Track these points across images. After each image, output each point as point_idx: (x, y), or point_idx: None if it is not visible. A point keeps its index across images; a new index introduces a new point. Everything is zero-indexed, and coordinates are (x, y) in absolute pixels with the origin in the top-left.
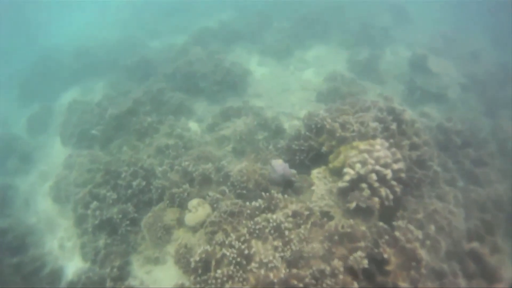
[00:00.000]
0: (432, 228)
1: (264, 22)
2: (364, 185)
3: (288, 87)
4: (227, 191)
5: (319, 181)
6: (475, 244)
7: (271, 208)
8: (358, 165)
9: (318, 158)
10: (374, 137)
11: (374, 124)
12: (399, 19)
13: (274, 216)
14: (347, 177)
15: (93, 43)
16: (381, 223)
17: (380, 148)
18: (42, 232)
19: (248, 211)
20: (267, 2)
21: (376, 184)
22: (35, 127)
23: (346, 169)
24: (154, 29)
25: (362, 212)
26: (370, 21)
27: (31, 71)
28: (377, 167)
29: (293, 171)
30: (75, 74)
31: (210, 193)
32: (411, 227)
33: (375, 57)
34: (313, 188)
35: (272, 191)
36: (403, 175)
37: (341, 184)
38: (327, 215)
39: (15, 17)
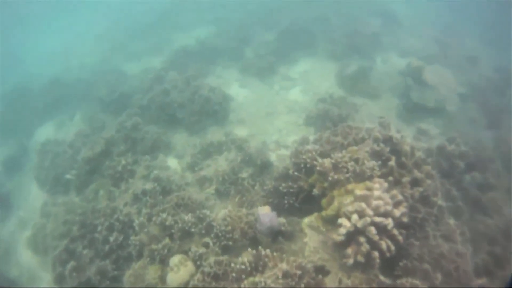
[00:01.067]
0: (438, 277)
1: (245, 36)
2: (362, 239)
3: (273, 110)
4: (211, 243)
5: (312, 231)
6: (483, 281)
7: (259, 268)
8: (354, 216)
9: (309, 199)
10: (371, 177)
11: (370, 163)
12: (387, 23)
13: (262, 280)
14: (342, 230)
15: (66, 73)
16: (382, 278)
17: (379, 194)
18: (24, 286)
19: (234, 274)
20: (248, 14)
21: (376, 237)
22: (10, 168)
23: (341, 220)
24: (131, 50)
25: (361, 265)
26: (358, 28)
27: (5, 104)
28: (377, 219)
29: (282, 220)
30: (50, 107)
31: (193, 248)
32: (416, 282)
33: (365, 69)
34: (305, 240)
35: (260, 248)
36: (405, 219)
37: (336, 237)
38: (322, 270)
39: None
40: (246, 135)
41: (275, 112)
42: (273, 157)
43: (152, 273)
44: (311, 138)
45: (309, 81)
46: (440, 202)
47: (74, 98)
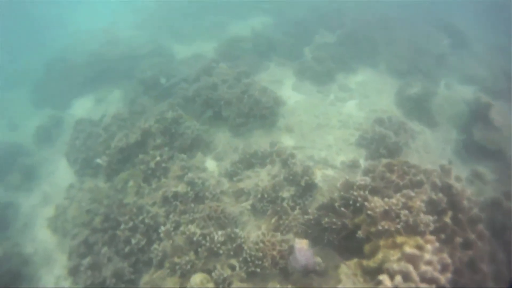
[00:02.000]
0: None
1: (304, 34)
2: None
3: (326, 122)
4: (237, 267)
5: (347, 279)
6: None
7: None
8: (398, 278)
9: (351, 239)
10: (423, 233)
11: (426, 219)
12: (456, 44)
13: None
14: None
15: (110, 47)
16: None
17: (429, 258)
18: (38, 265)
19: None
20: (310, 10)
21: None
22: (42, 138)
23: (383, 278)
24: (181, 31)
25: None
26: (424, 45)
27: (44, 72)
28: (422, 286)
29: (318, 259)
30: (90, 80)
31: (218, 268)
32: None
33: (428, 92)
34: (338, 286)
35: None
36: (448, 286)
37: None
38: None
39: (21, 13)
40: (293, 145)
41: (327, 125)
42: (318, 176)
43: (170, 284)
44: (362, 163)
45: (366, 95)
46: (486, 269)
47: (116, 75)
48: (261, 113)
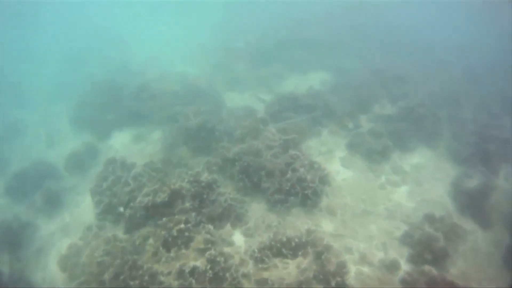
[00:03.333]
0: None
1: (363, 101)
2: None
3: (372, 208)
4: None
5: None
6: None
7: None
8: None
9: None
10: None
11: None
12: None
13: None
14: None
15: (160, 83)
16: None
17: None
18: None
19: None
20: (371, 74)
21: None
22: (75, 165)
23: None
24: (236, 76)
25: None
26: (490, 129)
27: (90, 92)
28: None
29: None
30: (134, 114)
31: None
32: None
33: (487, 189)
34: None
35: None
36: None
37: None
38: None
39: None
40: (332, 231)
41: (373, 212)
42: (352, 272)
43: None
44: (402, 264)
45: (420, 181)
46: None
47: (161, 114)
48: (303, 193)
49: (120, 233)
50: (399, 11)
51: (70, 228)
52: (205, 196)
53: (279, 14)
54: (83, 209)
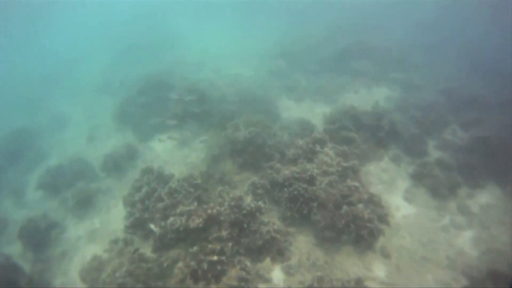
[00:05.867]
0: None
1: (432, 124)
2: None
3: (431, 255)
4: None
5: None
6: None
7: None
8: None
9: None
10: None
11: None
12: None
13: None
14: None
15: (213, 89)
16: None
17: None
18: None
19: None
20: (442, 93)
21: None
22: (112, 167)
23: None
24: (295, 84)
25: None
26: None
27: (139, 90)
28: None
29: None
30: (180, 119)
31: None
32: None
33: None
34: None
35: None
36: None
37: None
38: None
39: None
40: (383, 279)
41: (432, 259)
42: None
43: None
44: None
45: (487, 225)
46: None
47: (209, 119)
48: (358, 233)
49: (148, 250)
50: (487, 27)
51: (98, 235)
52: (245, 225)
53: (345, 17)
54: (113, 215)
